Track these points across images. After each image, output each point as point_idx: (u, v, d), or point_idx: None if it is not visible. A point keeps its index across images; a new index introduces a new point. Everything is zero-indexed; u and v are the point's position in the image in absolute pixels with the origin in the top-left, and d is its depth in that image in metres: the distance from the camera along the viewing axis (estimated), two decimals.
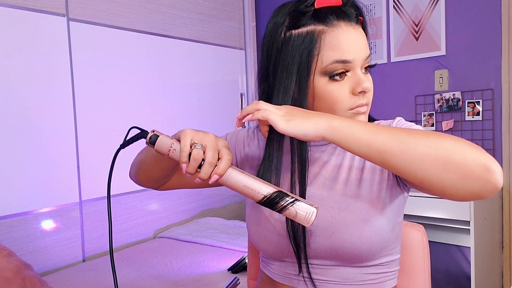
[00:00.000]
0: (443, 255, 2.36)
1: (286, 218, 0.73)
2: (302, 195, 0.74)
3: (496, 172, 0.57)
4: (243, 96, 2.93)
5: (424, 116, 2.36)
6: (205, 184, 0.71)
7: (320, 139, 0.63)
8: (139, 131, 0.67)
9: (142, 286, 1.60)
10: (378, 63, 2.50)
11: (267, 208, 0.70)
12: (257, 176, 0.73)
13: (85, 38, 2.00)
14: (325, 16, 0.70)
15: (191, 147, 0.63)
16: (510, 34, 2.10)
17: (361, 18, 0.74)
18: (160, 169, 0.82)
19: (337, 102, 0.72)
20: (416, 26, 2.37)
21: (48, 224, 1.86)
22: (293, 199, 0.62)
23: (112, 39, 2.12)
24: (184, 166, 0.63)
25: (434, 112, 2.33)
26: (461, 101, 2.24)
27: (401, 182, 0.75)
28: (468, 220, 1.92)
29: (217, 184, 0.66)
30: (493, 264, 2.12)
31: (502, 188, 1.85)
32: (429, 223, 2.19)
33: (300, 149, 0.74)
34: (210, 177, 0.63)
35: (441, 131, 2.28)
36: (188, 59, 2.53)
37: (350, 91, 0.72)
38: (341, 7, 0.71)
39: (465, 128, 2.24)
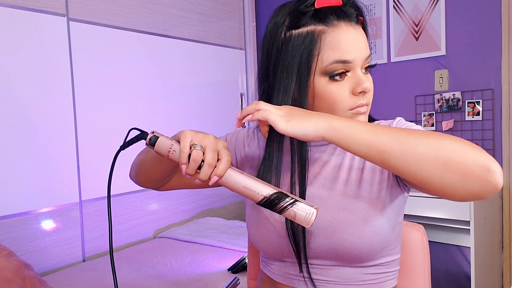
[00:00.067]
0: (443, 255, 2.36)
1: (286, 218, 0.73)
2: (302, 195, 0.74)
3: (496, 173, 0.57)
4: (243, 96, 2.93)
5: (424, 116, 2.36)
6: (205, 184, 0.71)
7: (320, 139, 0.63)
8: (139, 132, 0.67)
9: (142, 286, 1.60)
10: (378, 63, 2.50)
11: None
12: (257, 176, 0.73)
13: (85, 38, 2.00)
14: (325, 16, 0.70)
15: (190, 148, 0.63)
16: (510, 34, 2.10)
17: (361, 18, 0.74)
18: (160, 170, 0.82)
19: (337, 102, 0.72)
20: (416, 26, 2.37)
21: (48, 224, 1.86)
22: (293, 200, 0.62)
23: (112, 39, 2.12)
24: (183, 167, 0.63)
25: (434, 112, 2.33)
26: (461, 101, 2.24)
27: (401, 182, 0.75)
28: (468, 220, 1.92)
29: (217, 184, 0.66)
30: (493, 264, 2.12)
31: (502, 188, 1.85)
32: (429, 223, 2.19)
33: (300, 149, 0.74)
34: (209, 178, 0.63)
35: (441, 131, 2.28)
36: (188, 59, 2.53)
37: (350, 91, 0.72)
38: (341, 7, 0.71)
39: (465, 128, 2.24)
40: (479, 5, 2.18)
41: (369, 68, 0.75)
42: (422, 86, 2.38)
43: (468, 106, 2.22)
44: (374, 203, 0.74)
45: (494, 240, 2.12)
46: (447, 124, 2.28)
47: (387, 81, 2.50)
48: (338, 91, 0.71)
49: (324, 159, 0.79)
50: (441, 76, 2.30)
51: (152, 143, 0.65)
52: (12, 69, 1.74)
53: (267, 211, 0.78)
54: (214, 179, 0.62)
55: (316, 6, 0.71)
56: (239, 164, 0.89)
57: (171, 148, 0.65)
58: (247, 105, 2.33)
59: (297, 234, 0.74)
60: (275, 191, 0.63)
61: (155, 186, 0.89)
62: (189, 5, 2.53)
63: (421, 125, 2.22)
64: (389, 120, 0.80)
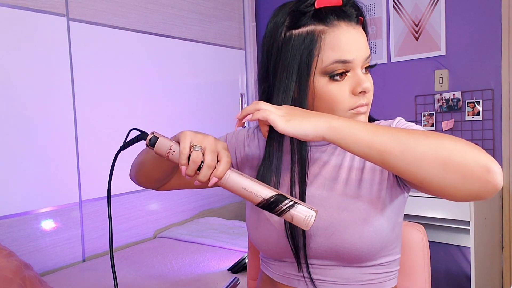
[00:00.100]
0: (443, 255, 2.36)
1: None
2: (302, 195, 0.74)
3: (496, 173, 0.57)
4: (243, 96, 2.93)
5: (424, 116, 2.36)
6: (204, 185, 0.71)
7: (320, 139, 0.63)
8: (139, 132, 0.67)
9: (142, 286, 1.60)
10: (378, 63, 2.50)
11: None
12: (257, 176, 0.73)
13: (85, 38, 2.00)
14: (325, 16, 0.70)
15: (190, 149, 0.63)
16: (510, 34, 2.10)
17: (362, 18, 0.74)
18: (160, 171, 0.82)
19: (337, 102, 0.72)
20: (416, 26, 2.37)
21: (48, 224, 1.86)
22: (292, 202, 0.62)
23: (112, 39, 2.12)
24: (183, 168, 0.63)
25: (434, 112, 2.33)
26: (461, 101, 2.24)
27: (401, 182, 0.75)
28: (468, 220, 1.92)
29: (217, 185, 0.66)
30: (493, 264, 2.12)
31: (502, 188, 1.85)
32: (429, 223, 2.19)
33: (300, 149, 0.74)
34: (209, 180, 0.63)
35: (441, 131, 2.28)
36: (188, 59, 2.53)
37: (350, 91, 0.72)
38: (342, 7, 0.71)
39: (465, 128, 2.24)
40: (479, 5, 2.18)
41: (369, 68, 0.75)
42: (422, 86, 2.38)
43: (468, 106, 2.22)
44: (374, 203, 0.74)
45: (494, 240, 2.12)
46: (447, 124, 2.28)
47: (387, 81, 2.50)
48: (338, 91, 0.71)
49: (324, 159, 0.79)
50: (441, 76, 2.30)
51: (152, 144, 0.65)
52: (12, 69, 1.74)
53: (267, 212, 0.78)
54: (213, 180, 0.62)
55: (316, 6, 0.71)
56: (239, 164, 0.89)
57: (171, 149, 0.65)
58: (247, 105, 2.33)
59: (296, 234, 0.74)
60: (274, 193, 0.62)
61: (155, 186, 0.89)
62: (189, 5, 2.53)
63: (421, 125, 2.22)
64: (389, 120, 0.80)
